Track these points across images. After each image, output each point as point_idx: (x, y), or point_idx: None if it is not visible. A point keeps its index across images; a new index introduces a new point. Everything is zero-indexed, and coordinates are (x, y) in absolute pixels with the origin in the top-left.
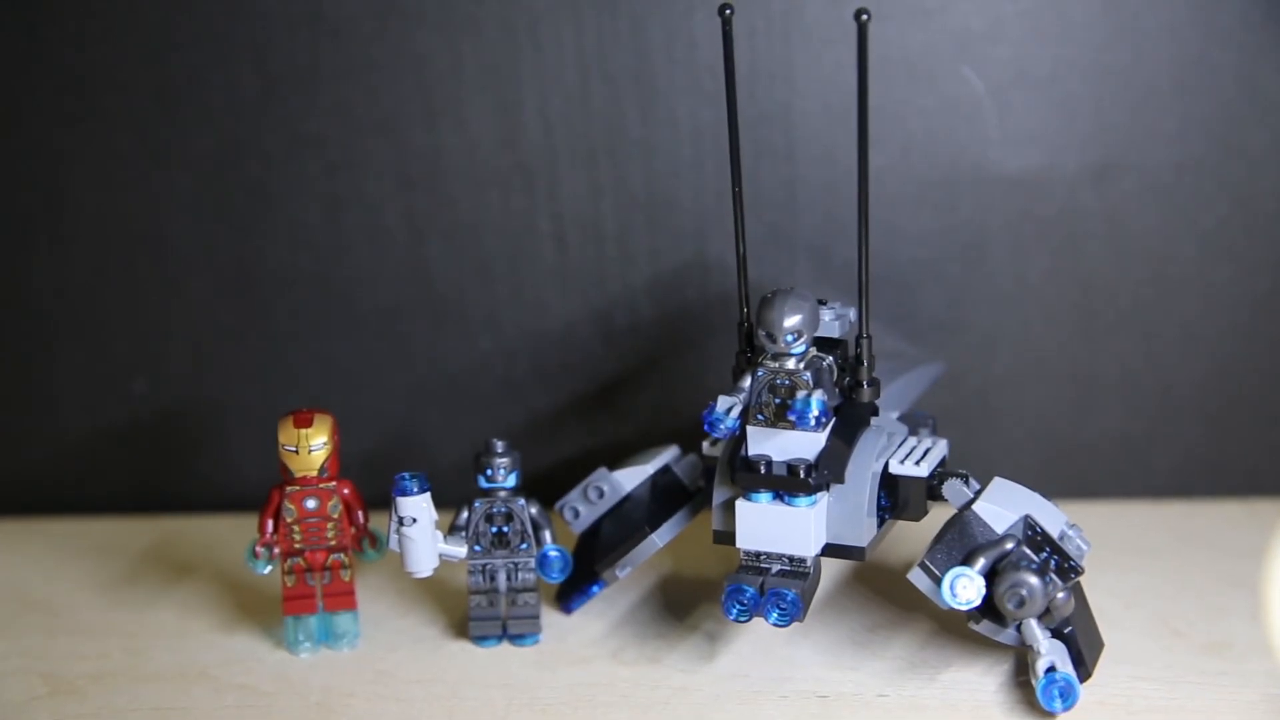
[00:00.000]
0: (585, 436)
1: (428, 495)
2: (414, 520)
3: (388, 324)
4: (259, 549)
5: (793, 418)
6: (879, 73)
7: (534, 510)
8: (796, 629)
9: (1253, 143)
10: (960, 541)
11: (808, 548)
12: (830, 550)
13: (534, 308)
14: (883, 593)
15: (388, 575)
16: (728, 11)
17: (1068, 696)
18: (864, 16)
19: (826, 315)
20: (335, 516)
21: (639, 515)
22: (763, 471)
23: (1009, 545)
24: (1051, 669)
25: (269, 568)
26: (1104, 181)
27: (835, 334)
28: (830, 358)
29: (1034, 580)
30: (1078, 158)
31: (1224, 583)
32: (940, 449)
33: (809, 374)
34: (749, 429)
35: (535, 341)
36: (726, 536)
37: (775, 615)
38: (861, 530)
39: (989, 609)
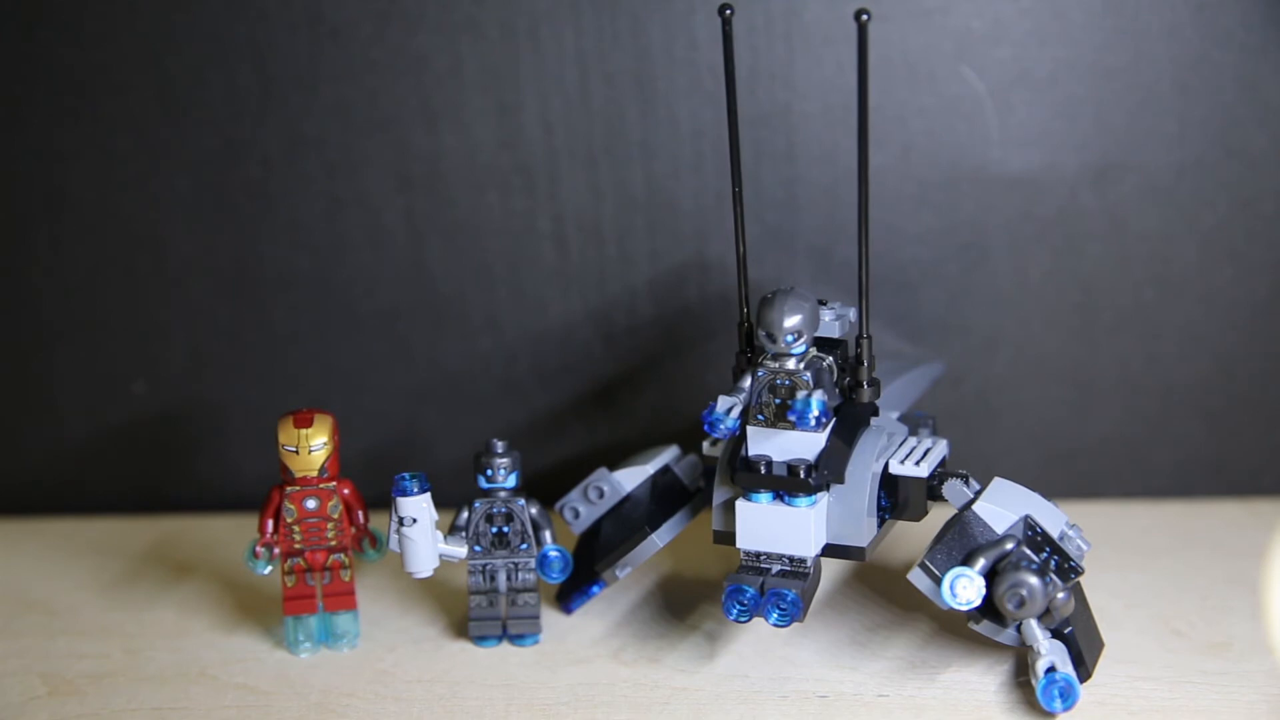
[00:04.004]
0: (585, 436)
1: (428, 495)
2: (414, 520)
3: (388, 324)
4: (259, 549)
5: (793, 418)
6: (879, 73)
7: (534, 510)
8: (796, 629)
9: (1253, 144)
10: (960, 542)
11: (808, 548)
12: (830, 550)
13: (534, 308)
14: (883, 593)
15: (388, 575)
16: (728, 12)
17: (1068, 696)
18: (864, 17)
19: (826, 315)
20: (335, 516)
21: (639, 515)
22: (763, 471)
23: (1009, 545)
24: (1051, 669)
25: (269, 568)
26: (1104, 182)
27: (835, 334)
28: (830, 358)
29: (1034, 580)
30: (1078, 158)
31: (1224, 583)
32: (940, 449)
33: (809, 374)
34: (749, 429)
35: (535, 341)
36: (726, 536)
37: (775, 615)
38: (861, 530)
39: (989, 609)
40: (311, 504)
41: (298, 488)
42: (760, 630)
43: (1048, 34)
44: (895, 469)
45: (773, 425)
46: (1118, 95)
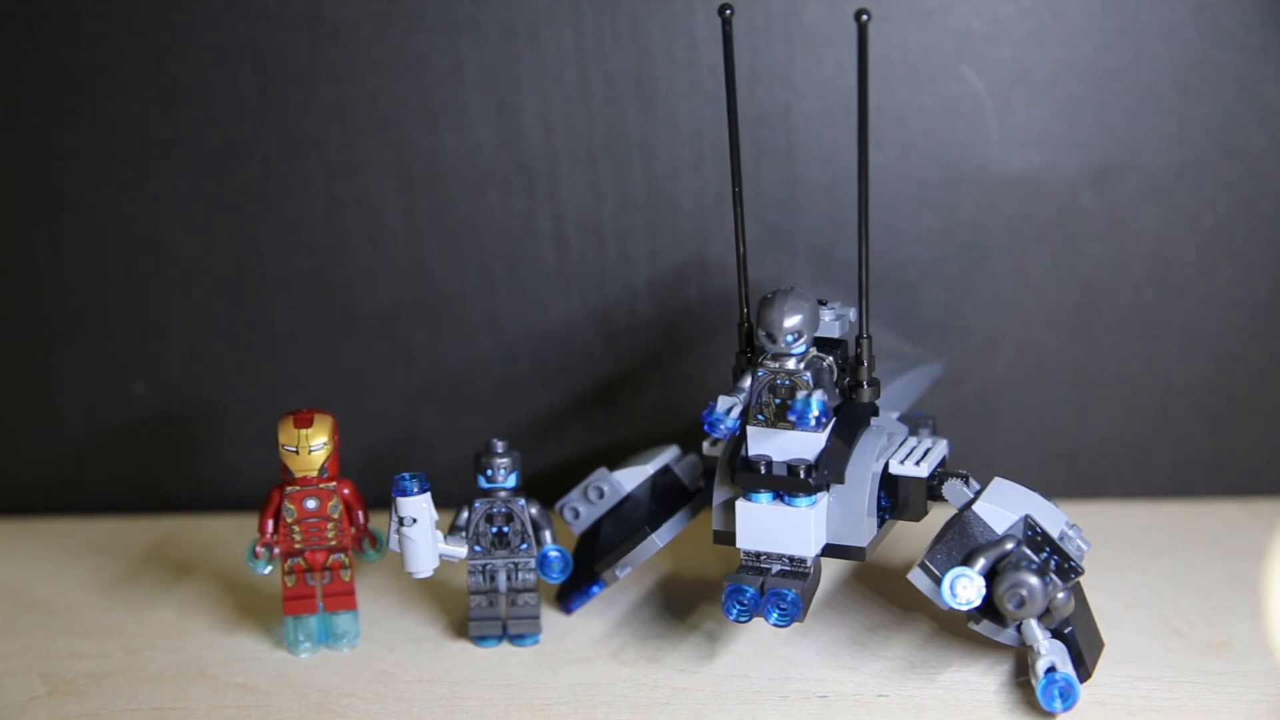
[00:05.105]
0: (585, 436)
1: (428, 495)
2: (414, 520)
3: (388, 324)
4: (259, 549)
5: (793, 418)
6: (879, 73)
7: (534, 510)
8: (796, 629)
9: (1253, 144)
10: (960, 542)
11: (808, 548)
12: (830, 550)
13: (534, 308)
14: (883, 593)
15: (388, 575)
16: (728, 12)
17: (1068, 696)
18: (864, 17)
19: (826, 315)
20: (335, 516)
21: (639, 515)
22: (763, 471)
23: (1009, 545)
24: (1051, 669)
25: (269, 568)
26: (1104, 182)
27: (835, 334)
28: (830, 358)
29: (1034, 580)
30: (1078, 158)
31: (1224, 583)
32: (940, 449)
33: (809, 374)
34: (749, 429)
35: (535, 341)
36: (726, 536)
37: (775, 615)
38: (862, 530)
39: (989, 609)
40: (311, 504)
41: (298, 488)
42: (760, 630)
43: (1048, 34)
44: (895, 469)
45: (773, 425)
46: (1118, 95)
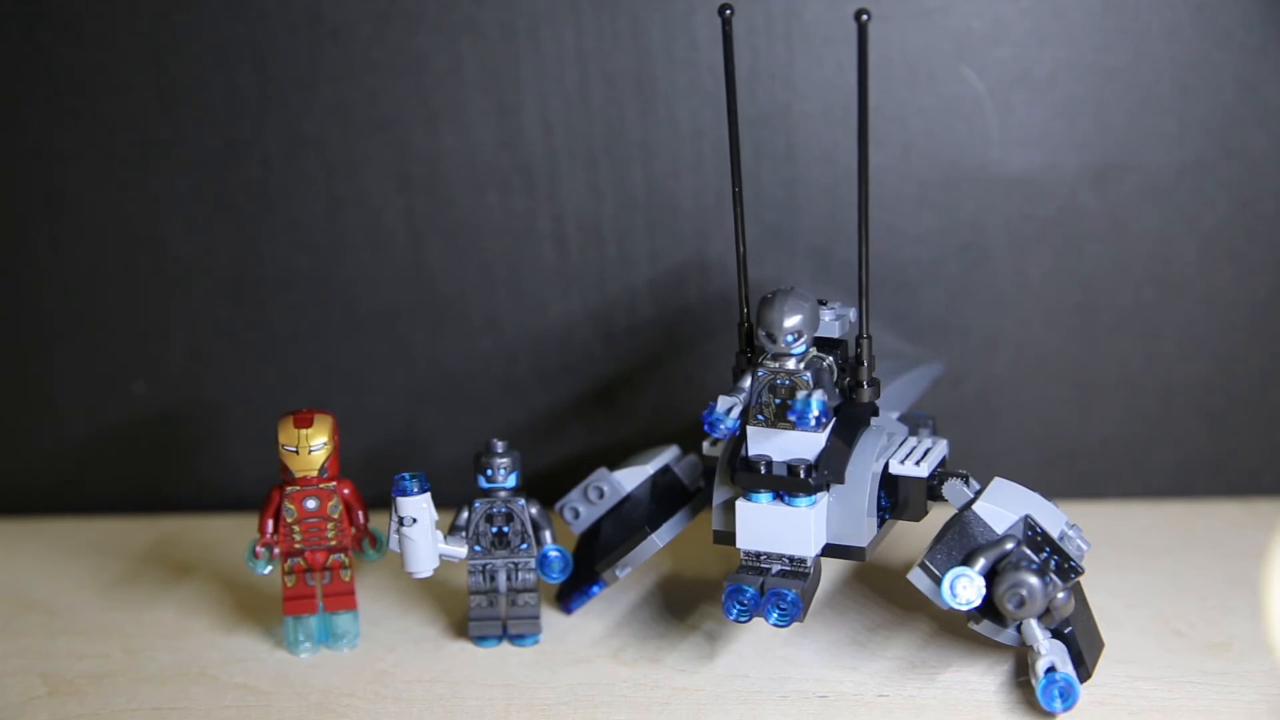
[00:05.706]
0: (585, 436)
1: (428, 495)
2: (414, 520)
3: (388, 324)
4: (259, 549)
5: (793, 418)
6: (879, 73)
7: (534, 510)
8: (796, 629)
9: (1253, 144)
10: (960, 542)
11: (808, 548)
12: (830, 550)
13: (534, 308)
14: (883, 593)
15: (388, 575)
16: (728, 12)
17: (1068, 696)
18: (864, 17)
19: (826, 315)
20: (335, 516)
21: (639, 515)
22: (763, 472)
23: (1009, 545)
24: (1051, 669)
25: (269, 568)
26: (1104, 182)
27: (835, 334)
28: (830, 358)
29: (1034, 580)
30: (1078, 158)
31: (1224, 583)
32: (940, 449)
33: (809, 374)
34: (749, 429)
35: (535, 341)
36: (726, 536)
37: (775, 615)
38: (862, 530)
39: (989, 609)
40: (311, 504)
41: (298, 488)
42: (760, 630)
43: (1048, 34)
44: (895, 469)
45: (773, 425)
46: (1118, 95)
